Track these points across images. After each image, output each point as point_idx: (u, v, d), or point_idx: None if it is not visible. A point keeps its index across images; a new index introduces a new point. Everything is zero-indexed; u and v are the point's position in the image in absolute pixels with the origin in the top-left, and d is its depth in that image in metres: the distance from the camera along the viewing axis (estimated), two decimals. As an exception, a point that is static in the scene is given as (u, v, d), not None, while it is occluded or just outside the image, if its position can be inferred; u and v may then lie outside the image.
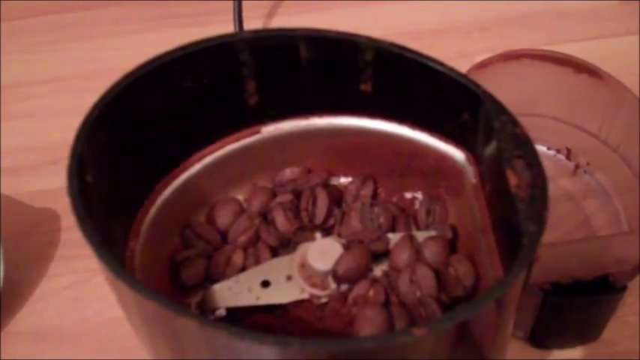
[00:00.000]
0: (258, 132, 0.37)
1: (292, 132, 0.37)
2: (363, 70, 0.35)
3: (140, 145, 0.34)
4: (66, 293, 0.53)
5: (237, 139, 0.37)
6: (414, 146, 0.37)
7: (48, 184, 0.59)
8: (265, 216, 0.37)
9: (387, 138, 0.37)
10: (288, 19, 0.71)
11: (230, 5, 0.64)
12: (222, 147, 0.37)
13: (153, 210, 0.35)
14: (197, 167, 0.37)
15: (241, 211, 0.38)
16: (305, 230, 0.37)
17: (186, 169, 0.36)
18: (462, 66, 0.49)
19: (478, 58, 0.51)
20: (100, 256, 0.27)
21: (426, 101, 0.35)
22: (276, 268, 0.35)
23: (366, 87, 0.36)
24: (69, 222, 0.28)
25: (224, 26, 0.64)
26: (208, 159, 0.37)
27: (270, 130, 0.37)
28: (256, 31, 0.34)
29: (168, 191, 0.36)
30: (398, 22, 0.71)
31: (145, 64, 0.33)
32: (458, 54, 0.67)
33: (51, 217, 0.57)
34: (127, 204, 0.34)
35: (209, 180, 0.37)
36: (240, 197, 0.39)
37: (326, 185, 0.38)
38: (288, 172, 0.39)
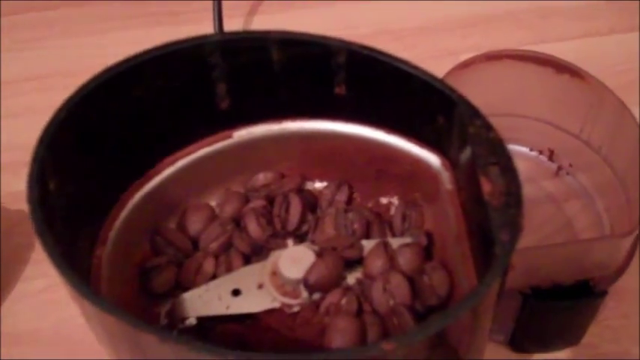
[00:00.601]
0: (230, 136, 0.36)
1: (265, 136, 0.37)
2: (336, 73, 0.34)
3: (108, 149, 0.33)
4: (42, 296, 0.53)
5: (209, 144, 0.36)
6: (389, 150, 0.36)
7: (25, 185, 0.58)
8: (238, 222, 0.37)
9: (362, 142, 0.36)
10: (270, 18, 0.70)
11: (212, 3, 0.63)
12: (193, 151, 0.36)
13: (122, 216, 0.34)
14: (167, 172, 0.36)
15: (213, 217, 0.37)
16: (278, 237, 0.36)
17: (156, 173, 0.36)
18: (447, 64, 0.49)
19: (463, 57, 0.50)
20: (58, 268, 0.26)
21: (400, 105, 0.35)
22: (247, 276, 0.35)
23: (339, 90, 0.35)
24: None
25: (206, 25, 0.63)
26: (179, 164, 0.36)
27: (243, 134, 0.37)
28: (226, 34, 0.33)
29: (137, 197, 0.35)
30: (383, 19, 0.71)
31: (113, 67, 0.32)
32: (443, 52, 0.67)
33: (27, 219, 0.55)
34: (94, 210, 0.33)
35: (180, 185, 0.36)
36: (213, 203, 0.38)
37: (300, 190, 0.38)
38: (262, 177, 0.38)
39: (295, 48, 0.34)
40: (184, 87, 0.34)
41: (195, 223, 0.36)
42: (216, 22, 0.61)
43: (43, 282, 0.53)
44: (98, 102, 0.32)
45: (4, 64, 0.68)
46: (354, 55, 0.33)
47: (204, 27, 0.63)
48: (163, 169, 0.36)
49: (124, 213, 0.34)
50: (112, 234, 0.34)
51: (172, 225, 0.37)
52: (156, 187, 0.36)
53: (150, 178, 0.36)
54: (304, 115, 0.37)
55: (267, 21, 0.70)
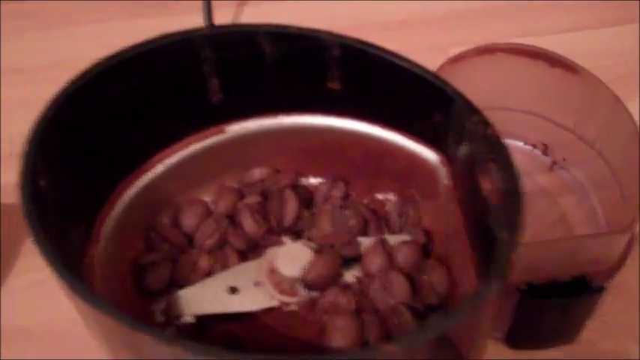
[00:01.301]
0: (222, 131, 0.36)
1: (258, 131, 0.36)
2: (330, 67, 0.34)
3: (99, 145, 0.33)
4: (33, 291, 0.52)
5: (202, 139, 0.36)
6: (385, 146, 0.36)
7: (14, 177, 0.57)
8: (233, 218, 0.36)
9: (357, 137, 0.36)
10: (260, 9, 0.69)
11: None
12: (185, 147, 0.36)
13: (115, 212, 0.34)
14: (160, 168, 0.35)
15: (208, 212, 0.36)
16: (273, 233, 0.36)
17: (148, 169, 0.35)
18: (435, 58, 0.48)
19: (451, 51, 0.50)
20: (53, 267, 0.25)
21: (395, 99, 0.34)
22: (243, 273, 0.34)
23: (333, 85, 0.34)
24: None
25: (194, 15, 0.62)
26: (172, 159, 0.35)
27: (236, 129, 0.36)
28: (217, 27, 0.33)
29: (130, 193, 0.34)
30: (370, 12, 0.70)
31: (101, 62, 0.31)
32: (430, 46, 0.66)
33: (17, 212, 0.55)
34: (86, 207, 0.33)
35: (173, 180, 0.36)
36: (207, 198, 0.37)
37: (295, 186, 0.37)
38: (257, 173, 0.37)
39: (287, 42, 0.33)
40: (175, 81, 0.34)
41: (189, 219, 0.36)
42: (206, 14, 0.60)
43: (34, 276, 0.52)
44: (87, 98, 0.31)
45: (4, 54, 0.67)
46: (347, 48, 0.33)
47: (194, 17, 0.62)
48: (155, 165, 0.35)
49: (116, 210, 0.34)
50: (105, 231, 0.33)
51: (166, 221, 0.36)
52: (148, 184, 0.35)
53: (142, 174, 0.35)
54: (298, 109, 0.36)
55: (258, 11, 0.69)
